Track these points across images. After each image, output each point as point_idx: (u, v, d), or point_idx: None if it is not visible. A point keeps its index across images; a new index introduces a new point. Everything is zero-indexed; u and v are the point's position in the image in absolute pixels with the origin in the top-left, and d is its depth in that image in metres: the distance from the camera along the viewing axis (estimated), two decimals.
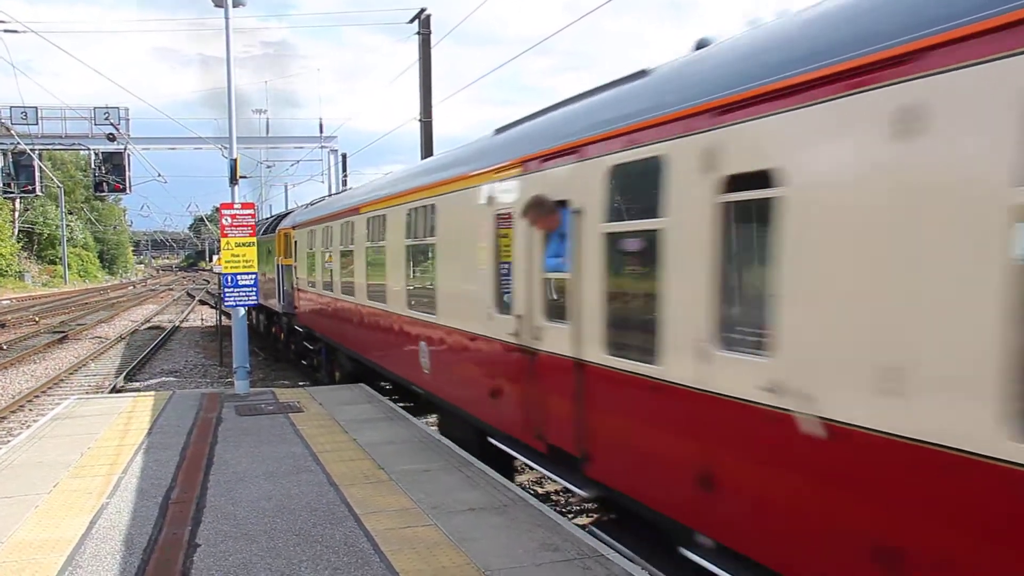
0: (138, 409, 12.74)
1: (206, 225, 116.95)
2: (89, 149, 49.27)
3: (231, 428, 11.33)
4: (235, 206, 14.79)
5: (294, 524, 7.14)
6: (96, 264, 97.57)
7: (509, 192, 8.20)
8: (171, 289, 77.17)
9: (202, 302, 52.13)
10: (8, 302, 51.69)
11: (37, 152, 48.83)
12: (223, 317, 26.80)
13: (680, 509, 5.58)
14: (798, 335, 4.47)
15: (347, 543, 6.65)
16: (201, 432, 11.04)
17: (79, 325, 35.74)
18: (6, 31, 24.73)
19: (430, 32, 22.45)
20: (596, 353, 6.52)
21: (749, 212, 5.08)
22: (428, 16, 22.48)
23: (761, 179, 4.71)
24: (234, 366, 15.20)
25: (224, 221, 14.61)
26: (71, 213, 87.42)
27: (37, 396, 18.29)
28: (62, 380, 20.63)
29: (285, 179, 59.88)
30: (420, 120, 22.35)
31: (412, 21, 22.66)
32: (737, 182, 4.95)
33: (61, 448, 10.04)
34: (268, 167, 54.12)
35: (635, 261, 6.33)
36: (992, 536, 3.46)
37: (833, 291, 4.25)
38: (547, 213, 7.28)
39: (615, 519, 7.11)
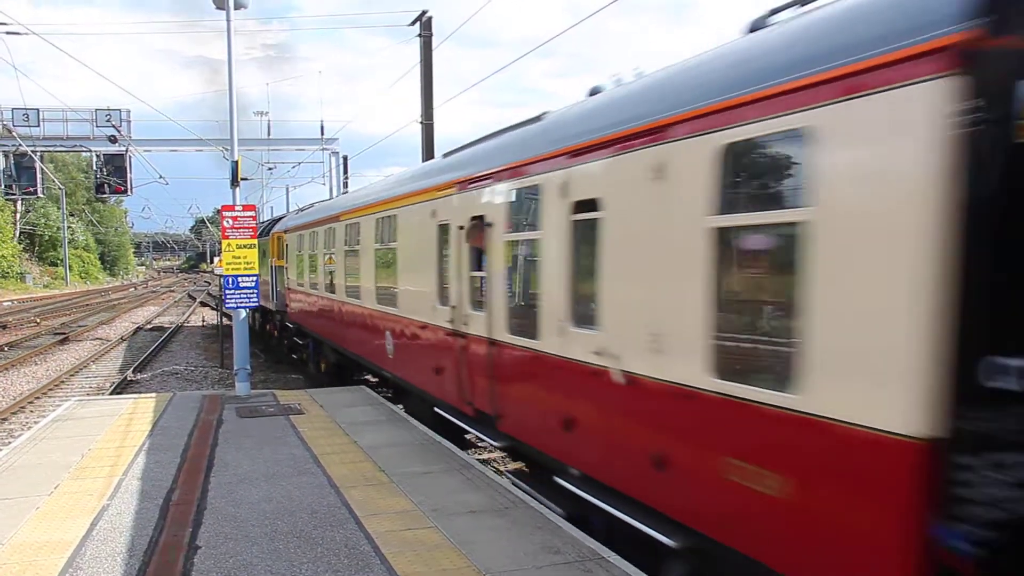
0: (139, 411, 12.74)
1: (207, 227, 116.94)
2: (91, 151, 49.41)
3: (232, 430, 11.33)
4: (236, 208, 14.80)
5: (295, 526, 7.14)
6: (97, 266, 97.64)
7: (448, 207, 10.15)
8: (172, 291, 77.19)
9: (203, 304, 52.13)
10: (9, 303, 51.75)
11: (39, 154, 48.94)
12: (223, 319, 26.95)
13: (556, 448, 7.46)
14: (610, 315, 6.44)
15: (348, 545, 6.65)
16: (202, 434, 11.04)
17: (80, 326, 35.76)
18: (8, 33, 24.72)
19: (431, 34, 22.48)
20: (502, 333, 8.47)
21: (586, 227, 6.80)
22: (430, 18, 22.50)
23: (592, 205, 6.64)
24: (235, 368, 15.20)
25: (225, 223, 14.61)
26: (72, 215, 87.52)
27: (38, 398, 18.30)
28: (63, 382, 20.64)
29: (286, 181, 59.99)
30: (421, 122, 22.36)
31: (413, 23, 22.68)
32: (580, 206, 6.88)
33: (62, 450, 10.04)
34: (269, 169, 54.18)
35: (524, 263, 8.25)
36: (710, 442, 5.28)
37: (625, 284, 6.26)
38: (479, 231, 9.09)
39: (527, 471, 9.02)
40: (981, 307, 3.73)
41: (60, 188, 74.20)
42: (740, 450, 4.98)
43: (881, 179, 4.03)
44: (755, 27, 5.53)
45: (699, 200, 5.24)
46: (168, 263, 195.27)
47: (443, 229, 10.31)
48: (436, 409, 10.85)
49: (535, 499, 7.89)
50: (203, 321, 38.41)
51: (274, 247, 25.59)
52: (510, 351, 8.29)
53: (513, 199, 8.31)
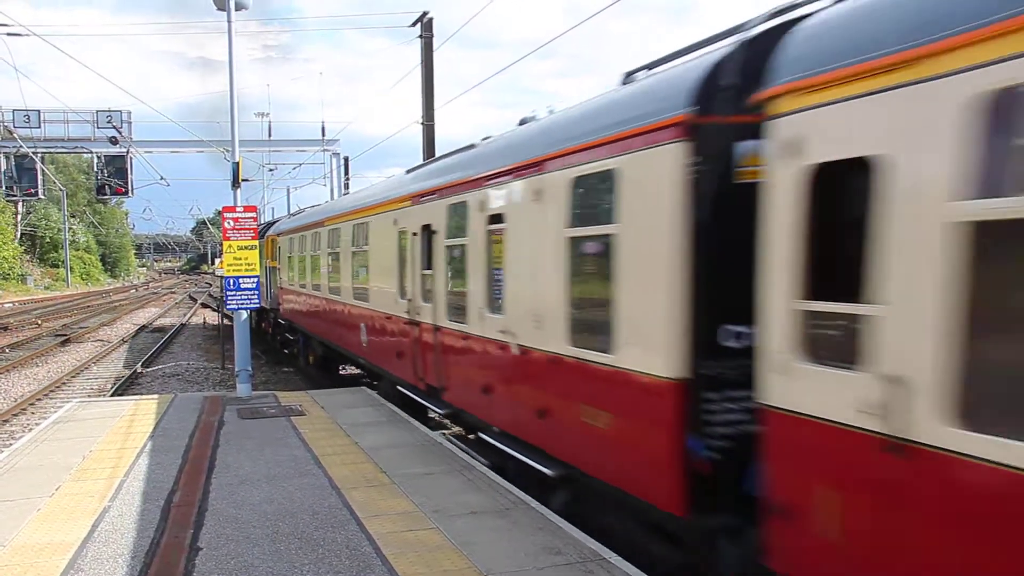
0: (140, 412, 12.75)
1: (208, 228, 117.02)
2: (92, 152, 49.44)
3: (233, 431, 11.33)
4: (237, 209, 14.80)
5: (296, 527, 7.13)
6: (98, 267, 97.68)
7: (406, 216, 12.22)
8: (173, 292, 77.23)
9: (204, 305, 52.16)
10: (10, 305, 51.78)
11: (39, 155, 48.95)
12: (223, 320, 27.07)
13: (481, 410, 9.46)
14: (510, 303, 8.47)
15: (349, 546, 6.64)
16: (203, 435, 11.05)
17: (81, 328, 35.79)
18: (9, 34, 24.77)
19: (432, 35, 22.46)
20: (443, 320, 10.62)
21: (496, 236, 8.89)
22: (431, 19, 22.49)
23: (500, 218, 8.72)
24: (236, 369, 15.20)
25: (226, 224, 14.61)
26: (73, 216, 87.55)
27: (39, 399, 18.30)
28: (64, 383, 20.65)
29: (288, 182, 60.01)
30: (422, 123, 22.35)
31: (414, 24, 22.67)
32: (492, 219, 8.94)
33: (63, 451, 10.05)
34: (271, 170, 54.21)
35: (457, 263, 10.18)
36: (570, 393, 7.16)
37: (518, 279, 8.31)
38: (428, 237, 11.16)
39: (471, 438, 10.91)
40: (712, 294, 5.60)
41: (61, 189, 74.23)
42: (586, 397, 6.96)
43: (649, 206, 5.99)
44: (625, 80, 7.20)
45: (561, 216, 7.27)
46: (169, 264, 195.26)
47: (402, 235, 12.39)
48: (399, 387, 12.88)
49: (530, 498, 7.88)
50: (204, 320, 38.43)
51: (268, 249, 27.29)
52: (449, 334, 10.46)
53: (450, 211, 10.37)
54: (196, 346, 29.80)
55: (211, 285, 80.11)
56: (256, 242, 14.85)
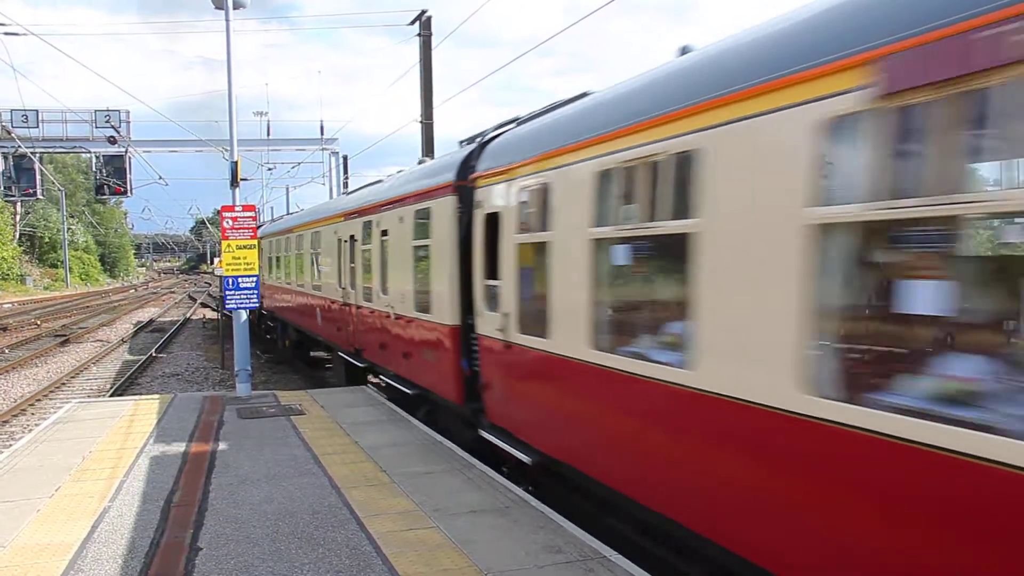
0: (140, 412, 12.74)
1: (207, 228, 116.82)
2: (90, 152, 49.35)
3: (233, 431, 11.33)
4: (236, 208, 14.79)
5: (296, 527, 7.13)
6: (97, 267, 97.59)
7: (343, 228, 16.87)
8: (172, 292, 77.21)
9: (203, 304, 52.13)
10: (9, 305, 51.72)
11: (38, 155, 48.88)
12: (222, 318, 27.06)
13: (380, 360, 13.93)
14: (392, 287, 13.05)
15: (349, 546, 6.64)
16: (203, 435, 11.04)
17: (81, 328, 35.77)
18: (7, 34, 24.73)
19: (431, 34, 22.43)
20: (360, 301, 15.25)
21: (384, 244, 13.47)
22: (429, 18, 22.46)
23: (386, 233, 13.38)
24: (236, 369, 15.19)
25: (225, 224, 14.60)
26: (72, 216, 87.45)
27: (39, 400, 18.30)
28: (64, 384, 20.64)
29: (286, 181, 59.98)
30: (421, 122, 22.33)
31: (413, 23, 22.64)
32: (383, 232, 13.57)
33: (63, 452, 10.04)
34: (269, 169, 54.14)
35: (366, 262, 14.72)
36: (412, 338, 12.04)
37: (394, 272, 12.93)
38: (354, 243, 15.96)
39: (391, 392, 14.09)
40: (466, 278, 9.82)
41: (60, 189, 74.16)
42: (422, 343, 11.44)
43: (442, 230, 10.51)
44: (421, 161, 13.40)
45: (410, 233, 11.90)
46: (168, 264, 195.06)
47: (340, 241, 16.99)
48: (339, 353, 17.33)
49: (531, 497, 7.89)
50: (203, 319, 38.41)
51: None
52: (363, 311, 15.14)
53: (363, 226, 15.02)
54: (196, 345, 29.79)
55: (210, 285, 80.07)
56: (255, 241, 14.82)
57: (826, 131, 4.22)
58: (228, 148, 15.60)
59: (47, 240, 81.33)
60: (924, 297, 3.93)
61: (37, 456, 9.88)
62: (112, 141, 39.78)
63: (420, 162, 14.72)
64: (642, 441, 6.17)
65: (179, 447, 10.30)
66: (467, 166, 9.97)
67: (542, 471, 8.13)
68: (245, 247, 14.61)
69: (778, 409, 4.54)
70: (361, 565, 6.23)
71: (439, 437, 10.68)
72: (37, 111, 46.61)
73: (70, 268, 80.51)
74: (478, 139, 10.33)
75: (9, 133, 43.39)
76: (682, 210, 5.49)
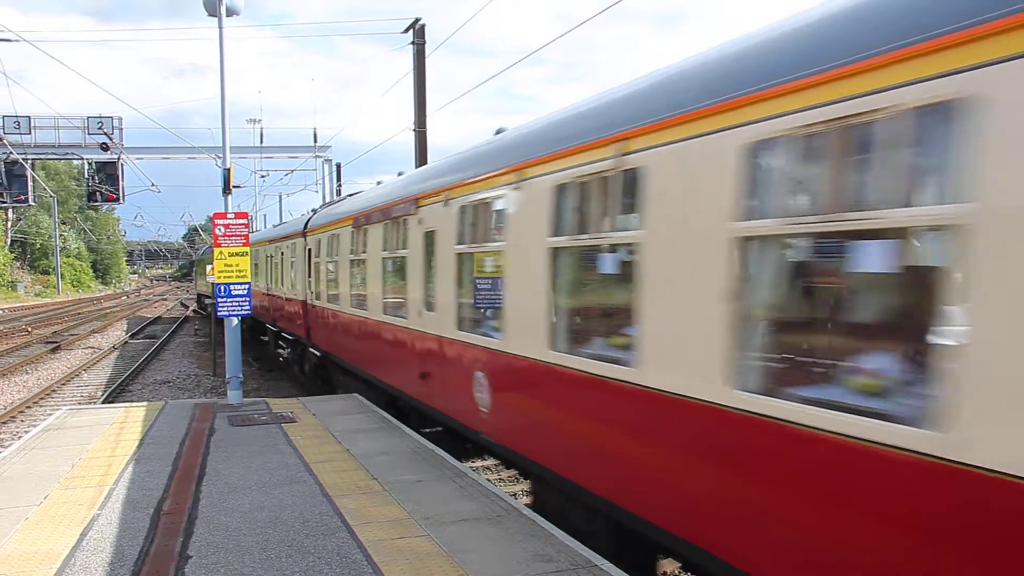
0: (130, 419, 12.68)
1: (200, 235, 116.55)
2: (83, 159, 49.23)
3: (224, 438, 11.27)
4: (228, 216, 14.76)
5: (287, 535, 7.09)
6: (89, 274, 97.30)
7: (309, 241, 19.91)
8: (164, 299, 76.94)
9: (196, 311, 51.96)
10: (0, 312, 51.47)
11: (30, 162, 48.75)
12: (214, 325, 27.03)
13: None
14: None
15: (340, 554, 6.61)
16: (193, 442, 10.99)
17: (72, 335, 35.62)
18: None
19: (424, 42, 22.48)
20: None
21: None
22: (423, 26, 22.51)
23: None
24: (227, 376, 15.14)
25: (217, 231, 14.57)
26: (64, 223, 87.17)
27: (29, 407, 18.20)
28: (54, 391, 20.54)
29: (280, 189, 59.93)
30: (414, 130, 22.36)
31: (407, 31, 22.69)
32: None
33: (52, 459, 9.98)
34: (262, 177, 54.10)
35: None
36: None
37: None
38: (311, 255, 20.25)
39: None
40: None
41: (52, 196, 73.93)
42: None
43: (299, 260, 21.22)
44: (282, 222, 29.46)
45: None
46: (161, 271, 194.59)
47: (304, 252, 20.51)
48: (296, 340, 21.83)
49: (522, 505, 7.88)
50: (195, 323, 38.31)
51: None
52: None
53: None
54: (187, 353, 29.69)
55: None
56: (247, 248, 14.79)
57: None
58: (221, 155, 15.57)
59: (38, 246, 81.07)
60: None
61: (26, 463, 9.82)
62: (105, 148, 39.70)
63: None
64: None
65: (169, 454, 10.24)
66: (307, 223, 20.29)
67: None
68: (237, 254, 14.57)
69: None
70: (352, 574, 6.20)
71: (431, 445, 10.65)
72: (29, 117, 46.55)
73: (62, 275, 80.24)
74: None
75: (1, 139, 43.26)
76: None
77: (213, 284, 15.30)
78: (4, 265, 67.23)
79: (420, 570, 6.22)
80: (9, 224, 73.23)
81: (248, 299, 14.78)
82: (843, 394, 4.26)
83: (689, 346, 5.31)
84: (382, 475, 9.08)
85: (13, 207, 62.22)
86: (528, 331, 7.64)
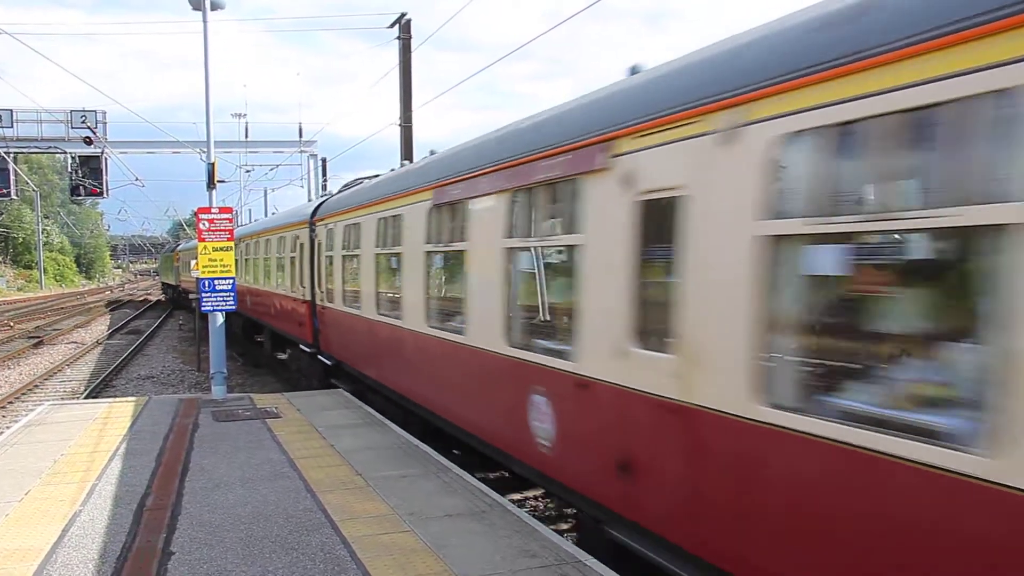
0: (113, 415, 12.60)
1: (184, 229, 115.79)
2: (66, 152, 48.76)
3: (208, 434, 11.23)
4: (213, 210, 14.67)
5: (270, 531, 7.08)
6: (73, 269, 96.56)
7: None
8: (149, 294, 76.48)
9: (179, 306, 51.66)
10: None
11: (12, 155, 48.27)
12: (198, 320, 26.90)
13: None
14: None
15: (324, 550, 6.60)
16: (177, 438, 10.94)
17: (55, 330, 35.34)
18: None
19: (410, 37, 22.42)
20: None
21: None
22: (408, 21, 22.45)
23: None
24: (211, 371, 15.07)
25: (201, 226, 14.49)
26: (47, 217, 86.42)
27: (11, 402, 18.05)
28: (36, 386, 20.38)
29: (265, 183, 59.65)
30: (400, 125, 22.31)
31: (392, 26, 22.62)
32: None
33: (33, 455, 9.90)
34: (247, 171, 53.81)
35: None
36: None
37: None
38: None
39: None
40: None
41: (34, 190, 73.27)
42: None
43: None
44: (274, 214, 30.12)
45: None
46: (145, 266, 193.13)
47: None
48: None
49: (507, 501, 7.88)
50: (180, 325, 38.10)
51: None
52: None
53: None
54: (172, 348, 29.53)
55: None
56: (232, 243, 14.70)
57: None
58: (205, 150, 15.48)
59: (21, 241, 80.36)
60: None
61: (7, 459, 9.74)
62: (88, 142, 39.25)
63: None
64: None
65: (153, 450, 10.19)
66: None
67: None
68: (222, 249, 14.49)
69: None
70: (336, 569, 6.19)
71: (416, 441, 10.65)
72: (11, 111, 46.05)
73: (45, 269, 79.56)
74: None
75: None
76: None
77: (197, 279, 15.19)
78: None
79: (404, 566, 6.22)
80: None
81: (233, 294, 14.71)
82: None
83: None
84: (367, 471, 9.07)
85: None
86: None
